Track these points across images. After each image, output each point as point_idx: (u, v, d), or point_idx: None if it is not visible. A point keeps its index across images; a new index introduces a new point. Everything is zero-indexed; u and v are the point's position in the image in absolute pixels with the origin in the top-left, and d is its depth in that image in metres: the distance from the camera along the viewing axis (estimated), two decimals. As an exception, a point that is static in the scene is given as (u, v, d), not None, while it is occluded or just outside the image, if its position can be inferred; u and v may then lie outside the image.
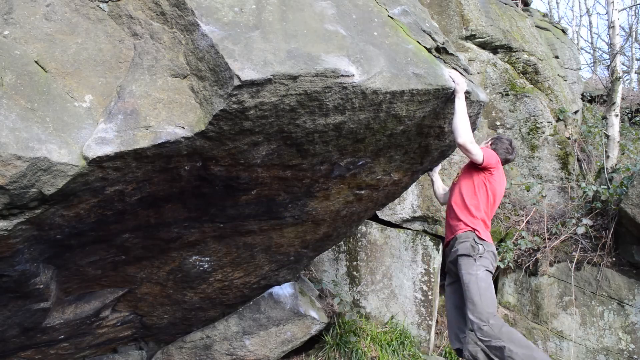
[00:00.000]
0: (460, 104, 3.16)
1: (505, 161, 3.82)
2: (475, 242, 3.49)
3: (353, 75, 2.66)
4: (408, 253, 6.23)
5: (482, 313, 3.11)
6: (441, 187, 4.28)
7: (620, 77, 7.93)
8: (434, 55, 3.23)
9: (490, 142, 3.88)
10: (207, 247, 3.89)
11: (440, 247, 6.25)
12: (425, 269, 6.19)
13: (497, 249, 6.42)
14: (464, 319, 3.47)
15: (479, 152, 3.43)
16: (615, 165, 7.29)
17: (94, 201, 2.69)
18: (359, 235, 6.36)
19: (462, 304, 3.41)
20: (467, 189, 3.63)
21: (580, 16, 21.34)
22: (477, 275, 3.32)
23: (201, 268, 4.10)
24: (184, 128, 2.54)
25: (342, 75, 2.63)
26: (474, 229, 3.52)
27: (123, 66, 2.64)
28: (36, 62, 2.46)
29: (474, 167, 3.64)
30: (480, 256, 3.42)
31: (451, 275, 3.79)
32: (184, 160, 2.73)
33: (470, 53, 7.77)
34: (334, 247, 6.27)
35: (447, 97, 3.14)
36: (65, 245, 2.98)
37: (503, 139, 3.85)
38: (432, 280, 6.18)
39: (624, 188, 5.76)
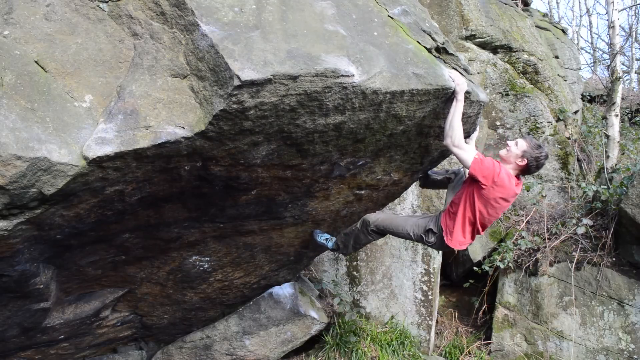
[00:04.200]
0: (456, 105, 3.10)
1: (532, 172, 3.44)
2: (433, 232, 3.62)
3: (353, 75, 2.66)
4: (408, 253, 6.23)
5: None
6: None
7: (620, 77, 7.93)
8: (434, 55, 3.22)
9: (526, 160, 3.31)
10: (207, 247, 3.89)
11: (440, 247, 6.25)
12: (425, 269, 6.19)
13: (496, 249, 6.43)
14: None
15: (467, 157, 3.14)
16: (615, 165, 7.29)
17: (94, 201, 2.69)
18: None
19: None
20: (457, 195, 3.53)
21: (580, 16, 21.37)
22: (408, 221, 3.77)
23: (201, 268, 4.11)
24: (184, 128, 2.54)
25: (342, 75, 2.63)
26: (445, 231, 3.55)
27: (123, 66, 2.64)
28: (36, 62, 2.46)
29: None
30: (427, 235, 3.66)
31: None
32: (184, 160, 2.73)
33: (470, 53, 7.77)
34: (334, 247, 6.27)
35: (447, 97, 3.14)
36: (65, 245, 2.98)
37: (539, 154, 3.29)
38: (432, 280, 6.18)
39: (624, 188, 5.76)
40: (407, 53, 2.97)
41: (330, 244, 4.26)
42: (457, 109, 3.10)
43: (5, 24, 2.48)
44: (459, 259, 6.87)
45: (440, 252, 6.22)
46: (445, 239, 3.55)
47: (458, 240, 3.53)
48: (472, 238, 3.62)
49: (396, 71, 2.84)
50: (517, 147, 3.35)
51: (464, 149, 3.16)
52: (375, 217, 3.92)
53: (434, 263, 6.19)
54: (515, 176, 3.40)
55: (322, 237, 4.29)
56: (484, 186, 3.23)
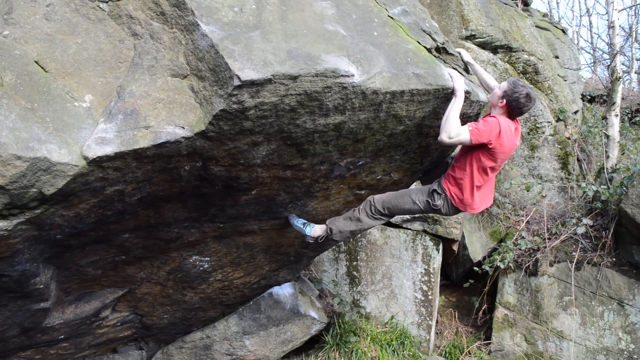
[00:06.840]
0: (455, 101, 3.09)
1: (519, 114, 3.40)
2: (438, 192, 3.52)
3: (353, 75, 2.66)
4: (408, 253, 6.23)
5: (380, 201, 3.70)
6: (486, 78, 3.80)
7: (620, 77, 7.93)
8: (434, 55, 3.22)
9: (505, 100, 3.31)
10: (207, 247, 3.89)
11: (440, 247, 6.26)
12: (425, 269, 6.19)
13: (496, 249, 6.43)
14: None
15: (465, 138, 3.14)
16: (615, 165, 7.29)
17: (94, 201, 2.69)
18: (359, 235, 6.36)
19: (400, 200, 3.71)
20: (459, 160, 3.47)
21: (580, 16, 21.38)
22: (412, 190, 3.66)
23: (201, 268, 4.11)
24: (184, 128, 2.54)
25: (342, 75, 2.63)
26: (451, 196, 3.48)
27: (123, 66, 2.64)
28: (36, 62, 2.46)
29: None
30: (432, 199, 3.57)
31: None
32: (184, 160, 2.73)
33: (470, 53, 7.76)
34: (334, 247, 6.27)
35: (447, 97, 3.14)
36: (65, 245, 2.98)
37: (518, 95, 3.27)
38: (432, 280, 6.18)
39: (624, 188, 5.76)
40: (407, 53, 2.97)
41: (308, 230, 3.89)
42: (455, 104, 3.08)
43: (5, 24, 2.48)
44: (459, 259, 6.87)
45: (440, 251, 6.23)
46: (453, 203, 3.48)
47: (469, 205, 3.48)
48: (483, 200, 3.54)
49: (396, 71, 2.84)
50: (500, 89, 3.37)
51: (460, 133, 3.11)
52: (379, 197, 3.74)
53: (434, 263, 6.19)
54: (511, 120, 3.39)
55: (299, 222, 3.96)
56: (491, 145, 3.22)
